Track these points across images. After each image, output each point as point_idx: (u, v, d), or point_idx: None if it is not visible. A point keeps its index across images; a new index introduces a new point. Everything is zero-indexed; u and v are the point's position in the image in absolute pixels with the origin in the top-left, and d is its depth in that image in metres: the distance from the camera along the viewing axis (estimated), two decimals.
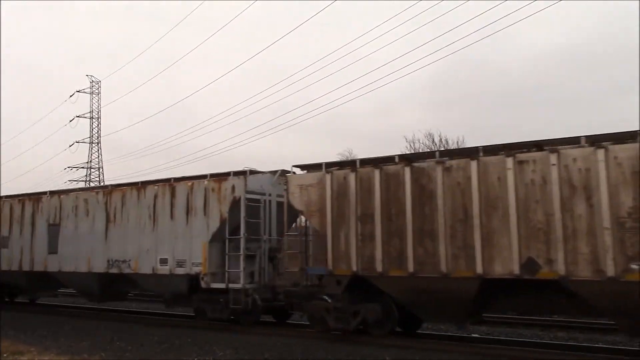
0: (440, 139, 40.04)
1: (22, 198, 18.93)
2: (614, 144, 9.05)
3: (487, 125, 59.67)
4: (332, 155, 52.75)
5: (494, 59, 74.10)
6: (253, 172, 14.24)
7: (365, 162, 11.83)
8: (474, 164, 10.23)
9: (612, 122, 52.65)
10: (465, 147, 10.43)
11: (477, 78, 70.02)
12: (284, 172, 13.97)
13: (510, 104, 67.18)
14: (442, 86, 73.36)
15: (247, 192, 13.68)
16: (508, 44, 76.25)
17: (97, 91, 57.26)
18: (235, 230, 13.79)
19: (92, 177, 56.08)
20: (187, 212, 14.41)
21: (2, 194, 20.30)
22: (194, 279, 14.19)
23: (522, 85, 68.38)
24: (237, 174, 14.03)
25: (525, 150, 9.94)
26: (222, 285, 13.73)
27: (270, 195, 14.38)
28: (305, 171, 12.77)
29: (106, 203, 16.20)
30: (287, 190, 12.71)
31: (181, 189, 14.63)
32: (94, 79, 57.22)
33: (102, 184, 50.51)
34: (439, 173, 10.60)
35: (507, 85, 71.01)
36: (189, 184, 14.53)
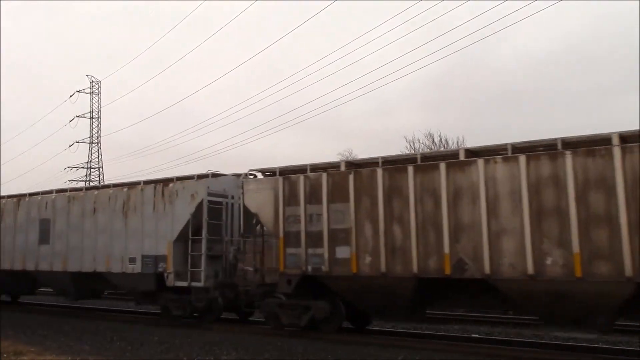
0: (440, 139, 40.15)
1: None
2: None
3: (486, 125, 59.64)
4: (332, 155, 52.72)
5: (492, 59, 74.17)
6: None
7: None
8: None
9: (611, 122, 52.60)
10: None
11: (476, 78, 70.05)
12: None
13: (509, 104, 67.22)
14: (441, 86, 73.42)
15: None
16: (506, 44, 76.31)
17: (97, 91, 57.24)
18: None
19: (92, 177, 56.06)
20: None
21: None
22: None
23: (521, 85, 68.39)
24: None
25: None
26: None
27: None
28: None
29: None
30: None
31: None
32: (94, 79, 57.13)
33: (102, 183, 50.41)
34: None
35: (506, 86, 71.05)
36: None
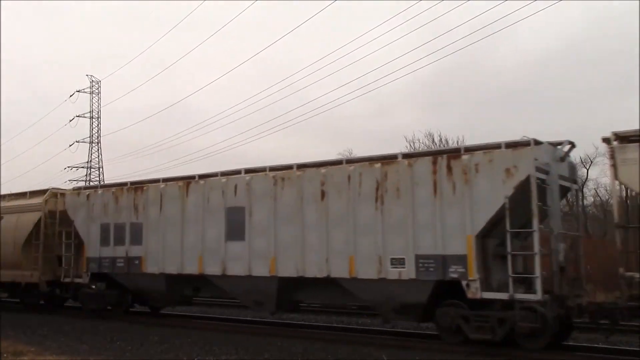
0: (440, 139, 40.21)
1: None
2: None
3: (485, 125, 59.68)
4: (332, 155, 52.75)
5: (491, 60, 74.18)
6: None
7: None
8: None
9: (610, 123, 52.67)
10: None
11: (475, 79, 70.08)
12: None
13: (508, 105, 67.24)
14: (440, 87, 73.45)
15: None
16: (505, 44, 76.30)
17: (97, 91, 57.25)
18: None
19: (92, 176, 56.05)
20: None
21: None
22: None
23: (520, 86, 68.43)
24: None
25: None
26: None
27: None
28: None
29: None
30: None
31: None
32: (94, 79, 57.13)
33: (101, 183, 50.32)
34: None
35: (505, 86, 71.07)
36: None
